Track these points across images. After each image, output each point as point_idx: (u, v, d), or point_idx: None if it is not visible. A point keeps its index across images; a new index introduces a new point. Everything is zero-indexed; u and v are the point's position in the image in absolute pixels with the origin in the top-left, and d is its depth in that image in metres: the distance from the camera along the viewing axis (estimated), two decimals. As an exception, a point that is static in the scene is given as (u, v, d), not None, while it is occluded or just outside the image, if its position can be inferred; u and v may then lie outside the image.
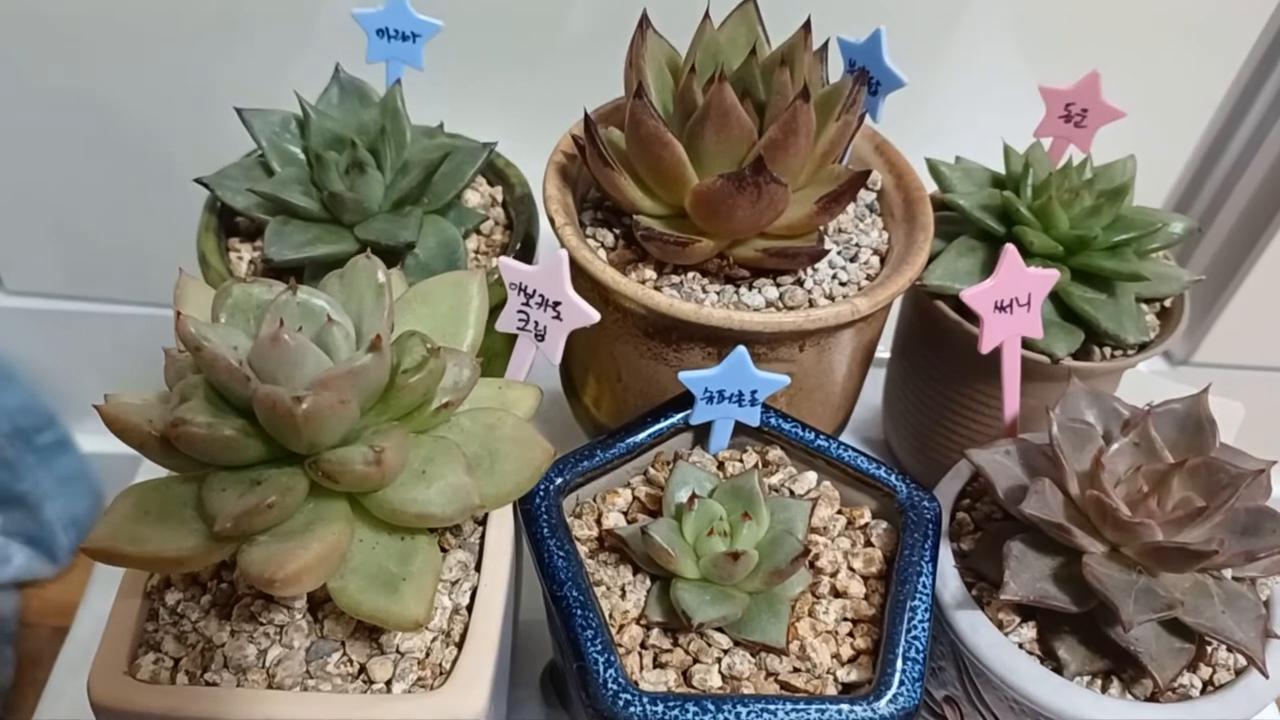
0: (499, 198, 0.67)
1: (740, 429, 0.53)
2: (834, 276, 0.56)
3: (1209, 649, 0.47)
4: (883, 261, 0.59)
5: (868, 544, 0.50)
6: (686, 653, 0.45)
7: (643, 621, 0.46)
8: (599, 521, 0.50)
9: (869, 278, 0.57)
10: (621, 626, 0.46)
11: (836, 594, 0.48)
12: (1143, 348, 0.60)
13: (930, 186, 0.62)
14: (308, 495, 0.40)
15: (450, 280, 0.47)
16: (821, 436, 0.53)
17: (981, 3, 0.81)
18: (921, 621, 0.45)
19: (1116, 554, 0.47)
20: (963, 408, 0.64)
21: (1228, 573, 0.48)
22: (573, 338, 0.50)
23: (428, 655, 0.42)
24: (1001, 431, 0.56)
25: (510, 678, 0.57)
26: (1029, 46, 0.84)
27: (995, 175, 0.65)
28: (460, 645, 0.43)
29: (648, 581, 0.47)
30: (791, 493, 0.52)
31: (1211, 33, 0.84)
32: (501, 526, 0.47)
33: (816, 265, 0.56)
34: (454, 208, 0.62)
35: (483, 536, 0.47)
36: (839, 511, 0.52)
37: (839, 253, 0.58)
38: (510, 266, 0.49)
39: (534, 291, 0.49)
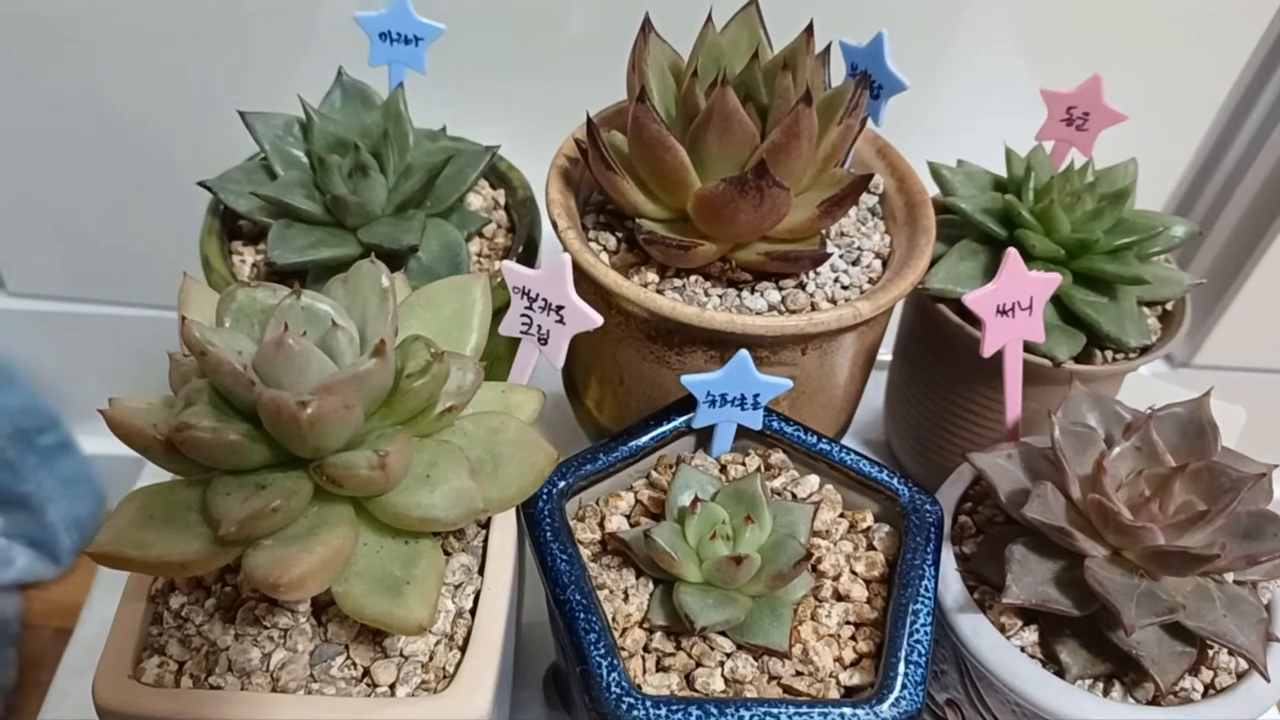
0: (501, 201, 0.67)
1: (743, 432, 0.53)
2: (836, 280, 0.57)
3: (1210, 652, 0.47)
4: (885, 265, 0.59)
5: (870, 547, 0.51)
6: (689, 656, 0.45)
7: (645, 625, 0.46)
8: (602, 525, 0.50)
9: (871, 281, 0.57)
10: (624, 630, 0.46)
11: (839, 597, 0.48)
12: (1144, 351, 0.61)
13: (932, 190, 0.62)
14: (312, 499, 0.40)
15: (454, 284, 0.47)
16: (824, 440, 0.53)
17: (983, 6, 0.81)
18: (924, 625, 0.45)
19: (1118, 558, 0.47)
20: (965, 411, 0.65)
21: (1229, 576, 0.48)
22: (575, 341, 0.50)
23: (431, 658, 0.42)
24: (1003, 435, 0.56)
25: (513, 680, 0.57)
26: (1030, 49, 0.84)
27: (997, 178, 0.65)
28: (464, 648, 0.43)
29: (650, 585, 0.48)
30: (794, 496, 0.52)
31: (1213, 36, 0.84)
32: (505, 530, 0.47)
33: (819, 269, 0.56)
34: (457, 211, 0.62)
35: (486, 540, 0.47)
36: (841, 515, 0.52)
37: (841, 256, 0.58)
38: (513, 270, 0.49)
39: (537, 295, 0.49)
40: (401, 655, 0.42)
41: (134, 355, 1.03)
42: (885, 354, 0.70)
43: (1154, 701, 0.46)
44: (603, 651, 0.43)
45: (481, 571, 0.45)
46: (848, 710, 0.42)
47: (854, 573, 0.49)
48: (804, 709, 0.42)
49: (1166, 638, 0.46)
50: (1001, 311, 0.52)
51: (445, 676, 0.42)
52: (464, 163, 0.62)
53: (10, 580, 1.15)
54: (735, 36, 0.56)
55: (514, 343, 0.51)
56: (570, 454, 0.51)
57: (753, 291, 0.56)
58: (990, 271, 0.60)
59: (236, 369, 0.37)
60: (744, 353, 0.49)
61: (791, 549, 0.46)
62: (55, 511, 1.13)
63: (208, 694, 0.40)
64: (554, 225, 0.56)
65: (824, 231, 0.57)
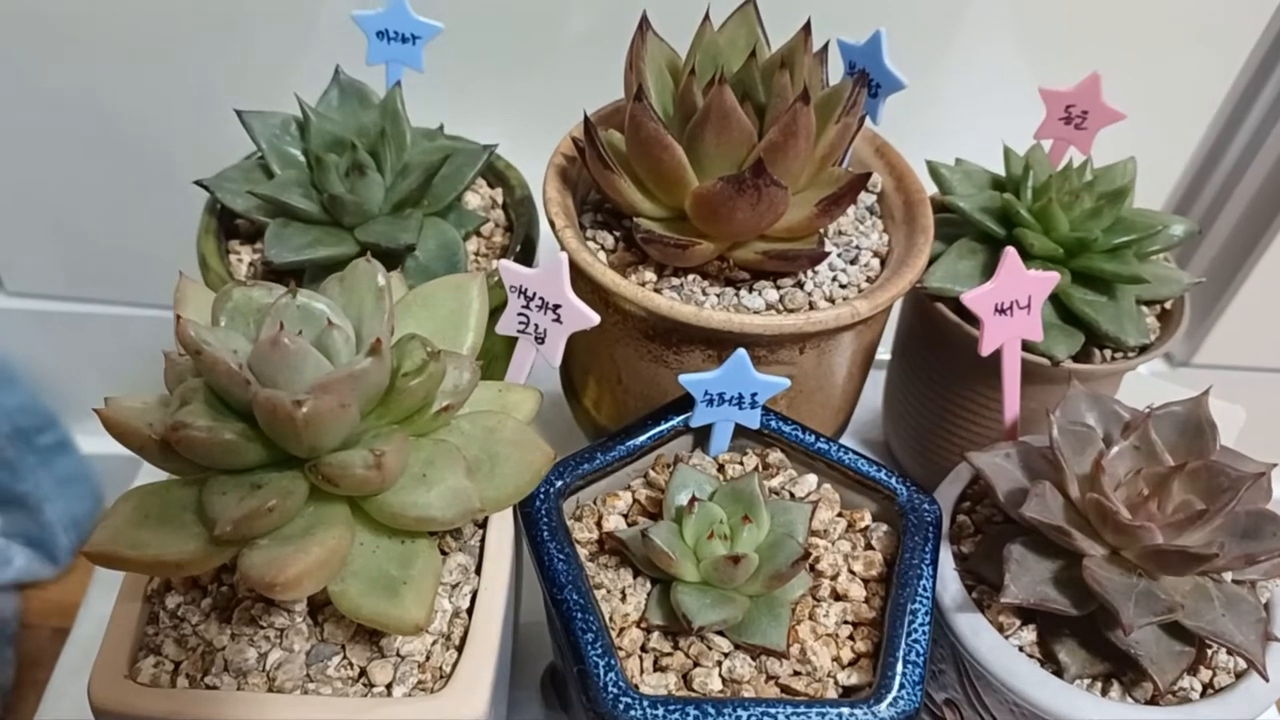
0: (499, 199, 0.67)
1: (740, 431, 0.53)
2: (834, 279, 0.56)
3: (1209, 652, 0.47)
4: (883, 264, 0.59)
5: (868, 547, 0.50)
6: (687, 656, 0.45)
7: (643, 624, 0.46)
8: (599, 524, 0.50)
9: (869, 280, 0.57)
10: (622, 630, 0.46)
11: (837, 597, 0.48)
12: (1143, 350, 0.60)
13: (930, 188, 0.62)
14: (308, 499, 0.40)
15: (450, 283, 0.47)
16: (822, 439, 0.53)
17: (981, 4, 0.81)
18: (922, 625, 0.45)
19: (1117, 557, 0.47)
20: (963, 410, 0.64)
21: (1228, 576, 0.48)
22: (573, 340, 0.50)
23: (428, 658, 0.42)
24: (1002, 434, 0.56)
25: (511, 680, 0.57)
26: (1029, 48, 0.84)
27: (996, 177, 0.65)
28: (460, 648, 0.43)
29: (648, 584, 0.47)
30: (792, 495, 0.52)
31: (1212, 35, 0.84)
32: (502, 529, 0.47)
33: (817, 267, 0.56)
34: (454, 210, 0.62)
35: (483, 539, 0.47)
36: (839, 514, 0.52)
37: (839, 255, 0.58)
38: (510, 269, 0.49)
39: (534, 294, 0.49)
40: (398, 655, 0.42)
41: (132, 355, 1.02)
42: (884, 353, 0.70)
43: (1152, 701, 0.46)
44: (600, 651, 0.42)
45: (478, 571, 0.45)
46: (845, 710, 0.42)
47: (852, 572, 0.49)
48: (802, 709, 0.42)
49: (1165, 637, 0.46)
50: (999, 310, 0.52)
51: (442, 676, 0.42)
52: (461, 162, 0.62)
53: (8, 580, 1.15)
54: (733, 35, 0.56)
55: (511, 342, 0.51)
56: (568, 453, 0.51)
57: (750, 290, 0.55)
58: (989, 270, 0.60)
59: (232, 368, 0.37)
60: (741, 352, 0.49)
61: (789, 548, 0.45)
62: (53, 511, 1.13)
63: (204, 694, 0.40)
64: (551, 224, 0.56)
65: (822, 230, 0.57)
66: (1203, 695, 0.47)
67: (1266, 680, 0.45)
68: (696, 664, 0.45)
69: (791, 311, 0.54)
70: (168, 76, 0.84)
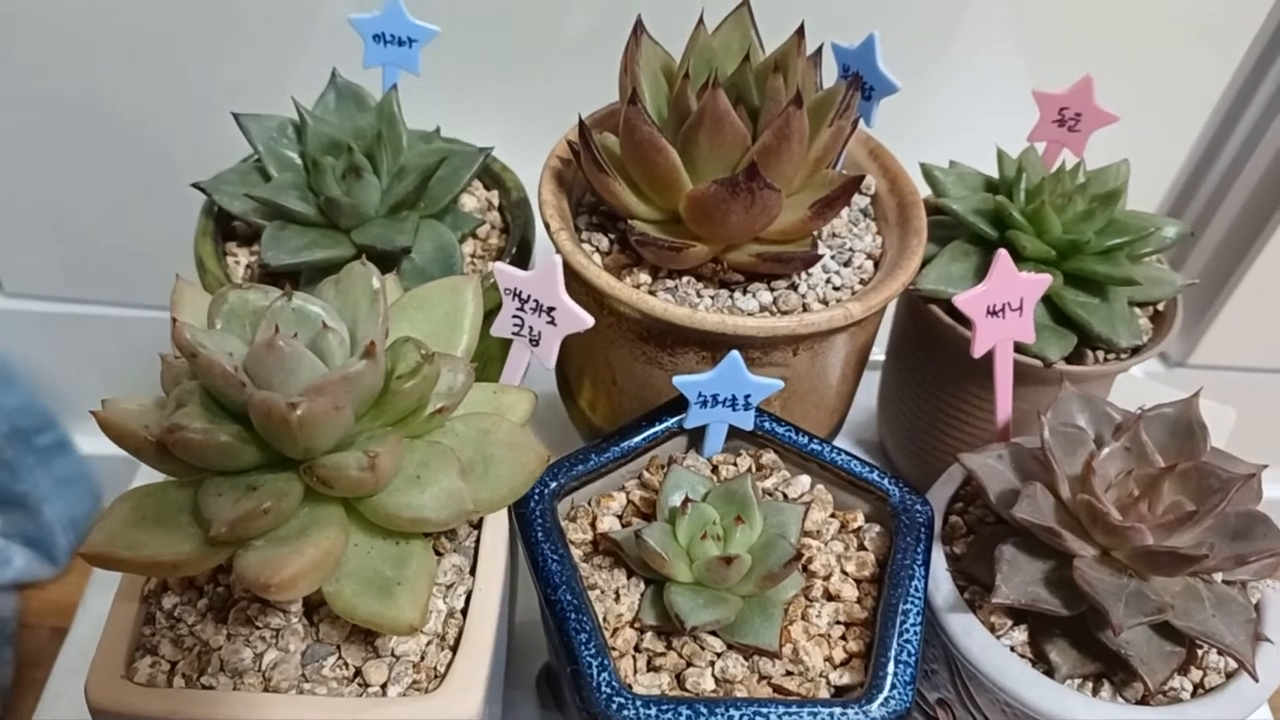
0: (495, 202, 0.68)
1: (734, 432, 0.53)
2: (828, 281, 0.57)
3: (1200, 652, 0.48)
4: (876, 266, 0.59)
5: (861, 547, 0.51)
6: (680, 656, 0.45)
7: (636, 625, 0.46)
8: (593, 525, 0.50)
9: (863, 282, 0.57)
10: (615, 630, 0.46)
11: (829, 597, 0.48)
12: (1135, 351, 0.61)
13: (924, 190, 0.63)
14: (303, 500, 0.40)
15: (445, 286, 0.47)
16: (815, 440, 0.53)
17: (975, 6, 0.81)
18: (913, 625, 0.45)
19: (1107, 558, 0.47)
20: (957, 410, 0.65)
21: (1218, 576, 0.48)
22: (568, 341, 0.50)
23: (423, 658, 0.43)
24: (994, 435, 0.56)
25: (506, 679, 0.57)
26: (1023, 50, 0.84)
27: (989, 179, 0.65)
28: (455, 648, 0.43)
29: (642, 585, 0.48)
30: (785, 496, 0.52)
31: (1206, 37, 0.84)
32: (496, 530, 0.47)
33: (810, 270, 0.57)
34: (450, 212, 0.63)
35: (477, 540, 0.47)
36: (832, 515, 0.52)
37: (833, 257, 0.58)
38: (505, 272, 0.49)
39: (529, 297, 0.49)
40: (393, 655, 0.42)
41: (131, 355, 1.02)
42: (878, 353, 0.70)
43: (1143, 701, 0.46)
44: (593, 651, 0.43)
45: (473, 572, 0.46)
46: (837, 710, 0.42)
47: (844, 573, 0.49)
48: (794, 709, 0.42)
49: (1155, 637, 0.46)
50: (992, 312, 0.52)
51: (436, 676, 0.42)
52: (457, 164, 0.62)
53: (7, 580, 1.15)
54: (727, 38, 0.56)
55: (506, 343, 0.52)
56: (563, 453, 0.51)
57: (744, 292, 0.56)
58: (982, 272, 0.60)
59: (227, 370, 0.37)
60: (735, 354, 0.49)
61: (782, 549, 0.46)
62: (52, 511, 1.13)
63: (200, 694, 0.40)
64: (546, 226, 0.56)
65: (815, 233, 0.57)
66: (1193, 695, 0.47)
67: (1256, 680, 0.46)
68: (689, 664, 0.45)
69: (785, 313, 0.55)
70: (166, 78, 0.84)
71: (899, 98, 0.60)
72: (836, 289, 0.57)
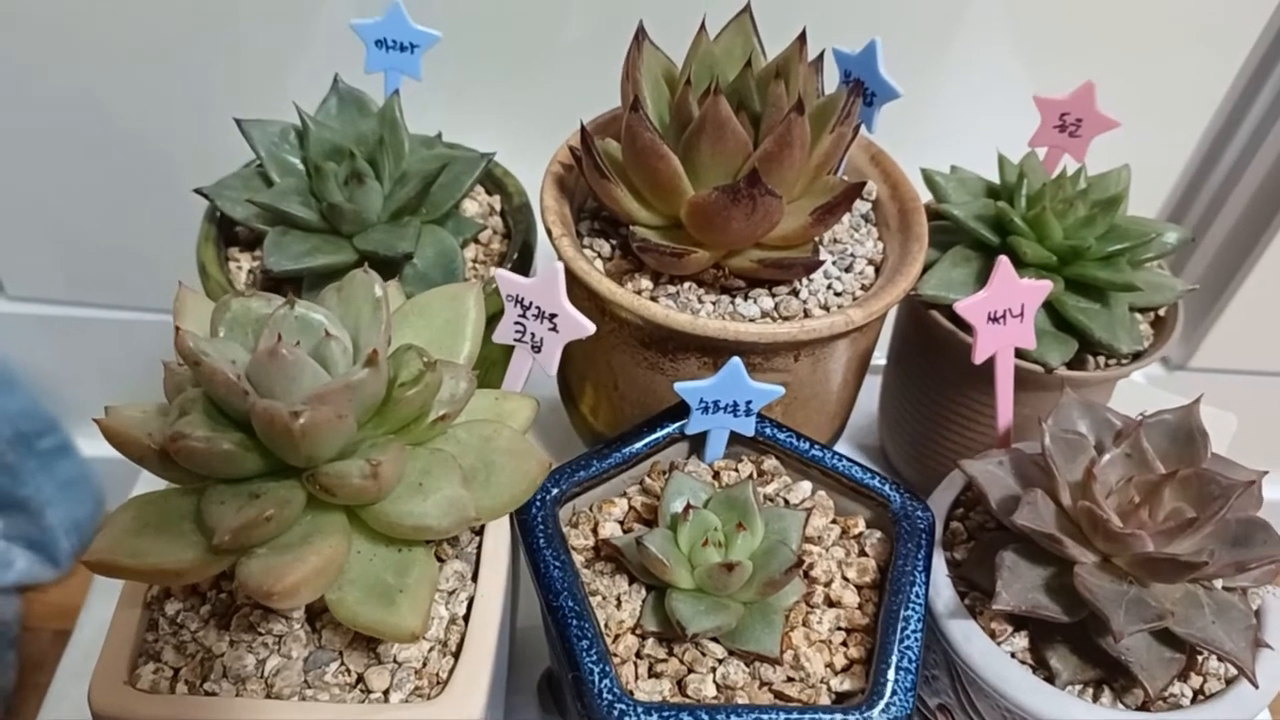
0: (497, 207, 0.68)
1: (736, 438, 0.53)
2: (829, 287, 0.57)
3: (1200, 658, 0.48)
4: (878, 271, 0.59)
5: (862, 553, 0.51)
6: (681, 662, 0.45)
7: (638, 631, 0.46)
8: (595, 531, 0.50)
9: (864, 288, 0.58)
10: (617, 636, 0.46)
11: (830, 603, 0.48)
12: (1136, 357, 0.61)
13: (925, 196, 0.63)
14: (305, 508, 0.40)
15: (447, 293, 0.47)
16: (816, 446, 0.53)
17: (977, 11, 0.81)
18: (914, 631, 0.46)
19: (1108, 564, 0.47)
20: (958, 416, 0.65)
21: (1218, 583, 0.48)
22: (570, 347, 0.50)
23: (425, 665, 0.43)
24: (995, 441, 0.56)
25: (507, 684, 0.57)
26: (1023, 53, 0.84)
27: (990, 185, 0.65)
28: (457, 655, 0.43)
29: (643, 591, 0.48)
30: (786, 502, 0.52)
31: (1207, 41, 0.84)
32: (498, 536, 0.47)
33: (812, 275, 0.57)
34: (452, 217, 0.63)
35: (479, 546, 0.47)
36: (833, 521, 0.52)
37: (834, 263, 0.58)
38: (506, 279, 0.50)
39: (530, 303, 0.49)
40: (395, 661, 0.42)
41: (133, 359, 1.03)
42: (880, 358, 0.70)
43: (1143, 707, 0.46)
44: (595, 658, 0.43)
45: (475, 578, 0.46)
46: (838, 716, 0.42)
47: (845, 579, 0.49)
48: (795, 715, 0.42)
49: (1155, 644, 0.46)
50: (993, 319, 0.52)
51: (439, 683, 0.42)
52: (459, 170, 0.62)
53: (10, 583, 1.15)
54: (729, 44, 0.56)
55: (508, 349, 0.52)
56: (565, 457, 0.52)
57: (746, 298, 0.56)
58: (983, 278, 0.60)
59: (230, 379, 0.37)
60: (736, 360, 0.49)
61: (783, 556, 0.46)
62: (54, 515, 1.14)
63: (203, 700, 0.41)
64: (548, 232, 0.56)
65: (817, 238, 0.57)
66: (1193, 701, 0.47)
67: (1256, 687, 0.46)
68: (691, 670, 0.45)
69: (786, 319, 0.55)
70: (168, 82, 0.85)
71: (900, 102, 0.60)
72: (838, 294, 0.57)
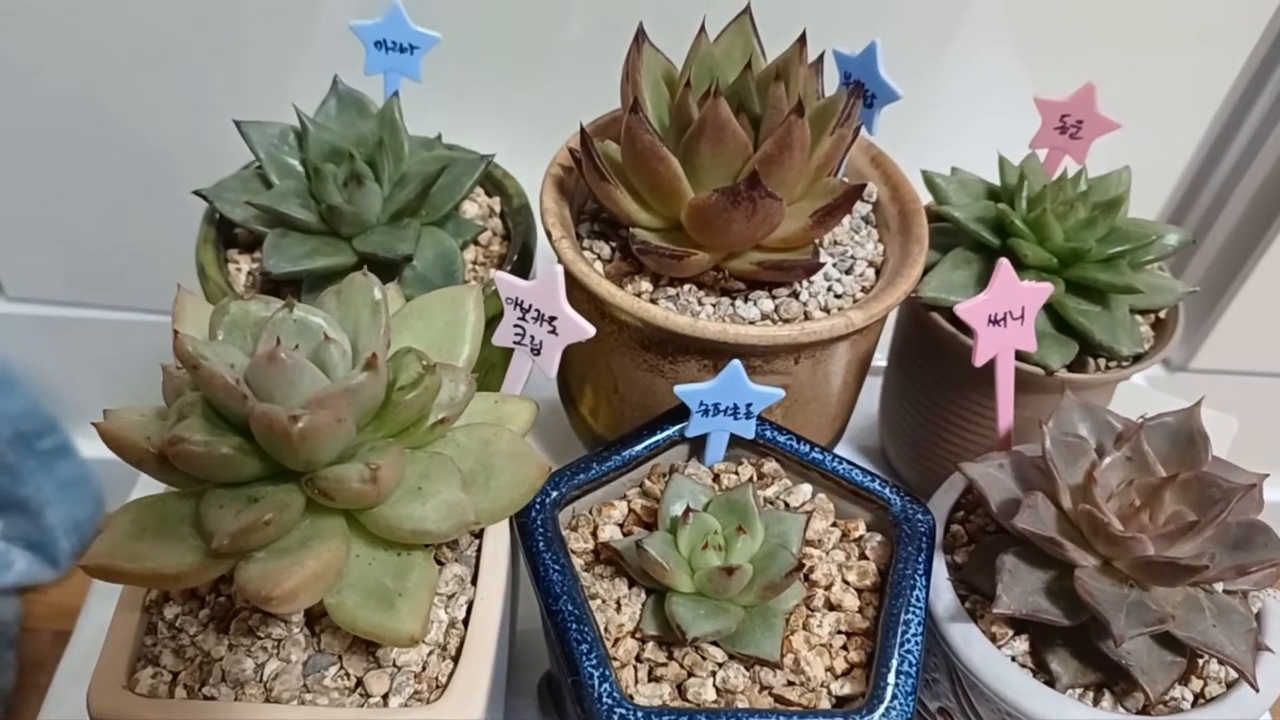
0: (497, 208, 0.68)
1: (736, 441, 0.53)
2: (829, 289, 0.57)
3: (1200, 662, 0.48)
4: (878, 273, 0.59)
5: (862, 556, 0.51)
6: (681, 666, 0.45)
7: (638, 635, 0.46)
8: (595, 534, 0.50)
9: (864, 290, 0.57)
10: (617, 640, 0.46)
11: (831, 607, 0.48)
12: (1137, 359, 0.61)
13: (926, 198, 0.63)
14: (304, 511, 0.40)
15: (447, 296, 0.47)
16: (816, 449, 0.53)
17: (977, 12, 0.81)
18: (914, 635, 0.45)
19: (1108, 568, 0.47)
20: (958, 418, 0.65)
21: (1219, 586, 0.48)
22: (570, 349, 0.50)
23: (424, 669, 0.43)
24: (996, 443, 0.56)
25: (508, 687, 0.57)
26: (1024, 55, 0.84)
27: (990, 187, 0.65)
28: (456, 659, 0.43)
29: (643, 595, 0.48)
30: (786, 505, 0.52)
31: (1207, 43, 0.84)
32: (498, 539, 0.47)
33: (812, 277, 0.57)
34: (452, 219, 0.63)
35: (479, 549, 0.47)
36: (834, 524, 0.52)
37: (834, 265, 0.58)
38: (506, 281, 0.49)
39: (530, 306, 0.49)
40: (394, 665, 0.42)
41: (132, 360, 1.03)
42: (880, 360, 0.70)
43: (1144, 711, 0.46)
44: (595, 662, 0.43)
45: (474, 581, 0.46)
46: (838, 720, 0.42)
47: (846, 582, 0.49)
48: (795, 719, 0.42)
49: (1156, 647, 0.46)
50: (993, 321, 0.52)
51: (438, 687, 0.42)
52: (459, 171, 0.62)
53: (9, 583, 1.15)
54: (729, 46, 0.56)
55: (508, 351, 0.52)
56: (565, 459, 0.51)
57: (746, 300, 0.56)
58: (983, 280, 0.60)
59: (229, 383, 0.37)
60: (736, 363, 0.49)
61: (783, 559, 0.46)
62: (54, 515, 1.14)
63: (202, 704, 0.41)
64: (548, 235, 0.56)
65: (817, 241, 0.57)
66: (1194, 705, 0.47)
67: (1257, 691, 0.46)
68: (691, 674, 0.45)
69: (787, 322, 0.55)
70: (167, 84, 0.85)
71: (900, 103, 0.60)
72: (838, 297, 0.57)
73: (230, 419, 0.39)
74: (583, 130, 0.55)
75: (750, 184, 0.50)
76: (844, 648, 0.47)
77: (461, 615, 0.44)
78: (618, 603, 0.47)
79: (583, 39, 0.81)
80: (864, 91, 0.60)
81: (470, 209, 0.66)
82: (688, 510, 0.47)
